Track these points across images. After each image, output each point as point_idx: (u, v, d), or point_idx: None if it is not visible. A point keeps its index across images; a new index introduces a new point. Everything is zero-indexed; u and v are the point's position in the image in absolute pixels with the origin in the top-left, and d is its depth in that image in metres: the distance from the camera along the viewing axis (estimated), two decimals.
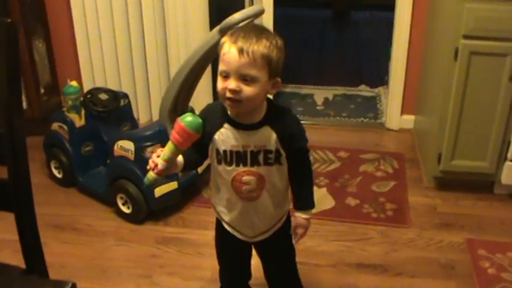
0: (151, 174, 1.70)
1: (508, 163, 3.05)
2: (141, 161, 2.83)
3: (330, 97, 4.48)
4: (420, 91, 3.75)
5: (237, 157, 1.79)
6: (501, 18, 2.78)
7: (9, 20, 1.48)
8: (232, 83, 1.65)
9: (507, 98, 2.91)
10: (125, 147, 2.90)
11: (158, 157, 1.69)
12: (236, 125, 1.77)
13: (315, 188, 1.92)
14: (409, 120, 3.92)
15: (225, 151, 1.79)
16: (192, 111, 3.09)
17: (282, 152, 1.81)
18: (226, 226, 1.98)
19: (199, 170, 3.08)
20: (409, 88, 3.85)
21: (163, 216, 3.02)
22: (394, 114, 3.94)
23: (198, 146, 1.79)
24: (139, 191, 2.89)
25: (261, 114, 1.78)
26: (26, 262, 1.73)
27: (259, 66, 1.65)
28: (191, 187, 3.14)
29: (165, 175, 1.73)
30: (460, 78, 2.91)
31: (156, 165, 1.69)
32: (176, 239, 2.88)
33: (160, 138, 2.83)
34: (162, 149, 1.70)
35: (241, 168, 1.80)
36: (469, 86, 2.92)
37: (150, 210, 2.97)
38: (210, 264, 2.66)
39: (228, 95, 1.66)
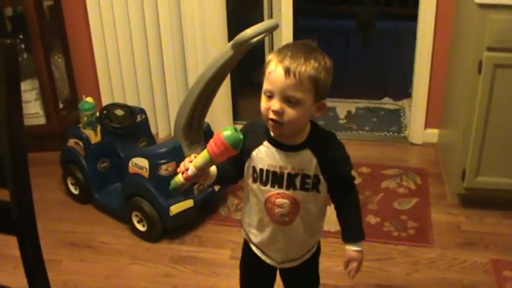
0: (179, 178, 1.66)
1: None
2: (156, 178, 2.79)
3: (353, 110, 4.40)
4: (444, 104, 3.66)
5: (273, 177, 1.73)
6: None
7: (8, 41, 1.43)
8: (275, 104, 1.59)
9: None
10: (139, 164, 2.87)
11: (190, 162, 1.64)
12: (276, 144, 1.71)
13: (334, 206, 1.84)
14: (433, 134, 3.83)
15: (261, 170, 1.73)
16: (208, 127, 3.05)
17: (322, 179, 1.73)
18: (254, 248, 1.92)
19: (216, 187, 3.03)
20: (433, 101, 3.76)
21: (179, 235, 2.97)
22: (418, 128, 3.85)
23: (235, 162, 1.75)
24: (154, 209, 2.85)
25: (304, 137, 1.71)
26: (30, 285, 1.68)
27: (305, 88, 1.59)
28: (207, 204, 3.09)
29: (193, 182, 1.68)
30: (484, 92, 2.83)
31: (186, 170, 1.64)
32: (192, 258, 2.83)
33: (175, 155, 2.79)
34: (196, 154, 1.66)
35: (276, 190, 1.74)
36: (493, 100, 2.84)
37: (165, 228, 2.92)
38: (226, 285, 2.62)
39: (271, 116, 1.61)
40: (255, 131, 1.74)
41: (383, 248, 2.86)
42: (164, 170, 2.79)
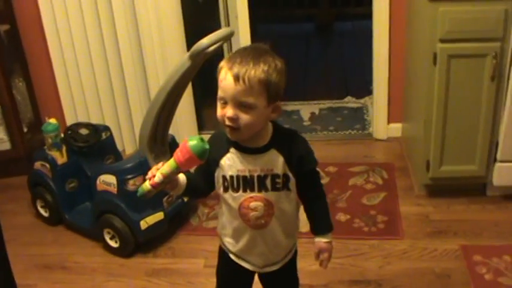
0: (146, 185, 1.65)
1: (498, 164, 3.02)
2: (125, 194, 2.80)
3: (316, 111, 4.44)
4: (405, 98, 3.71)
5: (244, 182, 1.74)
6: (476, 18, 2.76)
7: None
8: (229, 111, 1.61)
9: (490, 98, 2.89)
10: (107, 181, 2.87)
11: (158, 170, 1.64)
12: (242, 148, 1.73)
13: (303, 207, 1.87)
14: (396, 129, 3.88)
15: (231, 176, 1.75)
16: (173, 139, 3.05)
17: (291, 176, 1.76)
18: (233, 257, 1.93)
19: (185, 198, 3.04)
20: (394, 96, 3.82)
21: (152, 248, 2.98)
22: (381, 123, 3.90)
23: (206, 174, 1.76)
24: (125, 224, 2.85)
25: (267, 138, 1.73)
26: None
27: (256, 92, 1.60)
28: (178, 216, 3.10)
29: (160, 190, 1.66)
30: (441, 83, 2.88)
31: (153, 177, 1.63)
32: (166, 270, 2.84)
33: (142, 169, 2.79)
34: (163, 163, 1.65)
35: (249, 194, 1.75)
36: (451, 90, 2.89)
37: (138, 243, 2.92)
38: None
39: (227, 122, 1.63)
40: (219, 141, 1.74)
41: (354, 244, 2.89)
42: (132, 184, 2.79)
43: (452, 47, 2.82)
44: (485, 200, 3.14)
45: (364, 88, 4.52)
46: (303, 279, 2.61)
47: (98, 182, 2.92)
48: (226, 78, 1.60)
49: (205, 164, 1.70)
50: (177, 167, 1.61)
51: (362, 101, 4.51)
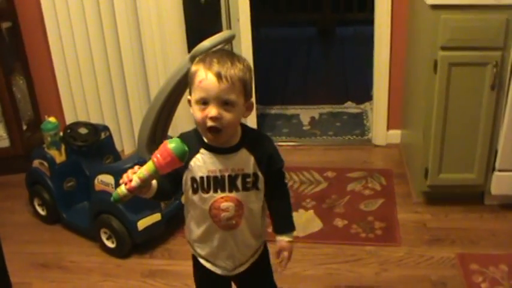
0: (121, 189, 1.62)
1: (496, 173, 3.02)
2: None
3: (316, 116, 4.44)
4: (405, 105, 3.72)
5: (214, 182, 1.74)
6: (477, 27, 2.76)
7: None
8: (212, 110, 1.61)
9: (490, 107, 2.89)
10: (105, 181, 2.86)
11: (134, 173, 1.62)
12: (212, 149, 1.72)
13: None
14: (395, 135, 3.88)
15: (201, 177, 1.74)
16: None
17: (260, 175, 1.76)
18: (203, 262, 1.92)
19: (183, 199, 3.03)
20: (394, 102, 3.82)
21: (148, 249, 2.97)
22: (380, 129, 3.91)
23: (173, 176, 1.73)
24: (122, 225, 2.85)
25: (237, 137, 1.74)
26: None
27: (237, 90, 1.63)
28: (175, 217, 3.08)
29: (135, 194, 1.64)
30: (441, 90, 2.88)
31: (130, 181, 1.61)
32: (162, 271, 2.83)
33: None
34: (139, 166, 1.63)
35: (219, 194, 1.75)
36: (451, 98, 2.89)
37: (135, 244, 2.92)
38: None
39: (209, 123, 1.62)
40: (188, 142, 1.67)
41: (351, 249, 2.88)
42: None
43: (453, 55, 2.82)
44: (483, 208, 3.14)
45: (365, 94, 4.53)
46: (298, 284, 2.64)
47: (95, 181, 2.92)
48: (207, 78, 1.61)
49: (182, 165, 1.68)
50: (155, 170, 1.59)
51: (362, 106, 4.52)
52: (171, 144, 1.57)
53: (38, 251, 3.06)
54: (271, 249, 1.98)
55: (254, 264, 1.93)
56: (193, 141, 1.72)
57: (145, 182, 1.61)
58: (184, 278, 2.76)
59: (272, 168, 1.80)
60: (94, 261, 2.95)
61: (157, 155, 1.58)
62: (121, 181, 1.64)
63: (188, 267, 2.76)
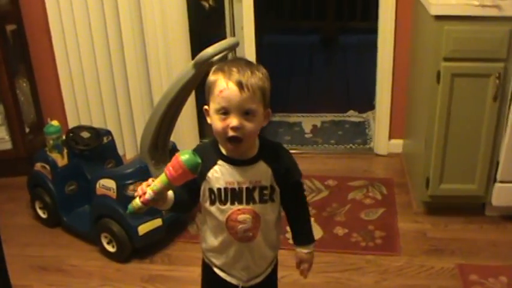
0: (136, 202, 1.63)
1: (497, 184, 3.02)
2: (124, 199, 2.79)
3: (318, 124, 4.45)
4: (407, 115, 3.72)
5: (232, 194, 1.73)
6: (480, 38, 2.77)
7: None
8: (234, 120, 1.61)
9: (492, 119, 2.89)
10: (106, 185, 2.87)
11: (148, 186, 1.62)
12: (230, 160, 1.72)
13: (285, 212, 1.88)
14: (397, 145, 3.88)
15: (219, 189, 1.73)
16: (174, 146, 3.06)
17: (276, 187, 1.76)
18: (218, 271, 1.90)
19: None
20: (396, 112, 3.82)
21: (149, 254, 2.97)
22: (382, 139, 3.91)
23: (191, 187, 1.72)
24: (123, 230, 2.85)
25: (255, 149, 1.74)
26: None
27: (258, 99, 1.62)
28: (176, 223, 3.09)
29: (151, 206, 1.65)
30: (443, 101, 2.88)
31: (144, 193, 1.61)
32: (162, 276, 2.83)
33: (142, 175, 2.80)
34: (154, 178, 1.64)
35: (237, 207, 1.74)
36: (453, 108, 2.90)
37: (135, 248, 2.92)
38: None
39: (230, 133, 1.62)
40: (206, 153, 1.71)
41: (351, 258, 2.89)
42: (131, 190, 2.78)
43: (456, 66, 2.83)
44: (484, 219, 3.14)
45: (367, 103, 4.52)
46: None
47: (97, 186, 2.92)
48: (228, 87, 1.60)
49: (195, 177, 1.68)
50: (168, 182, 1.59)
51: (364, 115, 4.52)
52: (183, 156, 1.57)
53: (38, 253, 3.06)
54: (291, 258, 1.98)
55: (268, 276, 1.93)
56: (210, 152, 1.73)
57: (159, 195, 1.62)
58: (184, 284, 2.77)
59: (290, 181, 1.79)
60: (94, 265, 2.95)
61: (170, 168, 1.58)
62: (135, 194, 1.64)
63: (188, 273, 2.82)
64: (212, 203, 1.75)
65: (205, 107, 1.71)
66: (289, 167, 1.79)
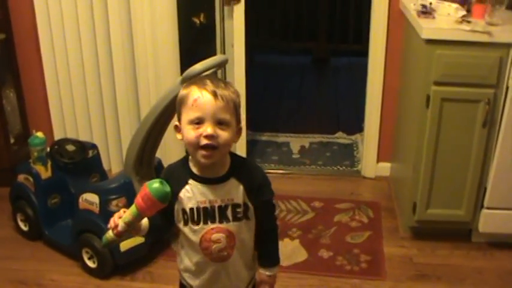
0: (110, 234, 1.62)
1: (484, 210, 3.01)
2: (106, 214, 2.74)
3: (306, 145, 4.43)
4: (396, 138, 3.71)
5: (204, 214, 1.71)
6: (471, 64, 2.77)
7: None
8: (208, 128, 1.59)
9: (481, 144, 2.88)
10: (89, 200, 2.83)
11: (120, 218, 1.61)
12: (201, 179, 1.70)
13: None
14: (385, 168, 3.86)
15: (191, 209, 1.71)
16: (159, 163, 3.02)
17: (250, 205, 1.73)
18: None
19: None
20: (385, 135, 3.81)
21: (130, 271, 2.92)
22: (370, 161, 3.89)
23: (165, 210, 1.68)
24: None
25: (226, 167, 1.71)
26: None
27: (231, 111, 1.62)
28: (159, 240, 3.04)
29: (125, 237, 1.65)
30: (432, 125, 2.87)
31: (116, 226, 1.60)
32: None
33: (126, 190, 2.78)
34: (125, 210, 1.62)
35: (210, 226, 1.71)
36: (442, 133, 2.89)
37: (116, 265, 2.87)
38: None
39: (204, 142, 1.60)
40: (176, 174, 1.71)
41: (336, 281, 2.85)
42: (114, 205, 2.76)
43: (446, 90, 2.82)
44: (470, 246, 3.12)
45: (356, 125, 4.52)
46: None
47: (80, 200, 2.88)
48: (202, 96, 1.60)
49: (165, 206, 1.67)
50: (139, 213, 1.57)
51: (353, 137, 4.50)
52: (151, 187, 1.55)
53: (17, 267, 3.01)
54: None
55: None
56: (181, 172, 1.71)
57: (131, 226, 1.61)
58: None
59: (262, 199, 1.76)
60: (74, 280, 2.90)
61: (139, 199, 1.56)
62: (108, 226, 1.63)
63: None
64: (185, 223, 1.73)
65: (176, 123, 1.70)
66: (261, 184, 1.76)
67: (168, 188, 1.56)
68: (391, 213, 3.45)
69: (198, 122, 1.60)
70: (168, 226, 1.78)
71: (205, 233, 1.72)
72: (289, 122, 4.96)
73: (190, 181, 1.70)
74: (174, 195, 1.67)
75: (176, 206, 1.72)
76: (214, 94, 1.59)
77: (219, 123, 1.60)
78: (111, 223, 1.62)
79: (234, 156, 1.75)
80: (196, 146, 1.61)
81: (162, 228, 1.79)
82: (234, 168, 1.72)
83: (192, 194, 1.70)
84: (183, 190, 1.70)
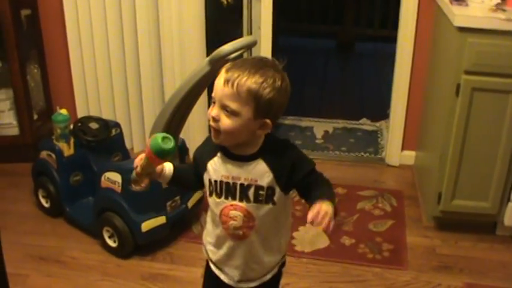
0: (133, 173, 1.71)
1: (511, 204, 2.94)
2: (128, 193, 2.74)
3: (330, 130, 4.38)
4: (422, 126, 3.65)
5: (226, 189, 1.70)
6: (504, 53, 2.70)
7: None
8: (214, 110, 1.60)
9: (510, 136, 2.82)
10: (112, 178, 2.82)
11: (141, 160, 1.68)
12: (229, 154, 1.69)
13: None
14: (409, 157, 3.81)
15: (215, 181, 1.71)
16: (183, 143, 3.00)
17: (277, 189, 1.67)
18: (212, 266, 1.88)
19: (190, 204, 2.99)
20: (411, 123, 3.75)
21: (150, 251, 2.92)
22: (395, 149, 3.84)
23: (197, 170, 1.77)
24: (126, 225, 2.80)
25: (256, 147, 1.68)
26: None
27: (242, 100, 1.55)
28: (180, 222, 3.04)
29: (146, 178, 1.71)
30: (461, 115, 2.82)
31: (136, 167, 1.69)
32: (163, 275, 2.78)
33: None
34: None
35: (230, 202, 1.71)
36: (471, 123, 2.83)
37: (137, 245, 2.87)
38: None
39: (210, 121, 1.61)
40: (209, 145, 1.72)
41: (357, 270, 2.82)
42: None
43: (477, 80, 2.76)
44: (494, 239, 3.07)
45: (380, 112, 4.46)
46: None
47: (102, 178, 2.87)
48: (219, 78, 1.59)
49: (195, 164, 1.78)
50: (147, 161, 1.63)
51: (377, 124, 4.45)
52: (152, 139, 1.59)
53: (37, 243, 3.02)
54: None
55: (265, 283, 1.86)
56: (213, 144, 1.69)
57: (144, 170, 1.68)
58: (184, 284, 2.72)
59: (300, 174, 1.67)
60: (94, 258, 2.90)
61: (147, 147, 1.62)
62: (134, 164, 1.71)
63: (189, 273, 2.77)
64: (210, 193, 1.75)
65: None
66: (295, 162, 1.68)
67: (168, 145, 1.58)
68: (414, 202, 3.40)
69: (214, 101, 1.61)
70: (194, 185, 1.85)
71: (225, 207, 1.72)
72: (313, 106, 4.92)
73: (219, 154, 1.70)
74: (203, 165, 1.73)
75: (205, 175, 1.74)
76: (227, 80, 1.56)
77: (225, 109, 1.58)
78: (135, 162, 1.70)
79: (270, 137, 1.70)
80: (208, 122, 1.63)
81: (190, 184, 1.88)
82: (265, 150, 1.68)
83: (218, 167, 1.71)
84: (211, 161, 1.72)
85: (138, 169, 1.67)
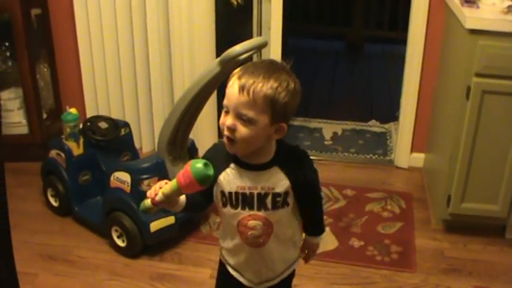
0: (148, 202, 1.63)
1: None
2: (137, 193, 2.74)
3: (339, 132, 4.37)
4: (431, 129, 3.64)
5: (243, 199, 1.67)
6: None
7: None
8: (229, 120, 1.55)
9: None
10: (121, 178, 2.82)
11: (160, 188, 1.60)
12: (243, 164, 1.66)
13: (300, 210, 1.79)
14: (419, 159, 3.80)
15: (230, 193, 1.68)
16: (193, 144, 3.00)
17: (291, 192, 1.68)
18: (230, 269, 1.87)
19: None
20: (420, 125, 3.74)
21: (159, 251, 2.92)
22: (404, 151, 3.83)
23: (203, 190, 1.67)
24: (135, 225, 2.80)
25: (270, 155, 1.66)
26: None
27: (259, 108, 1.52)
28: (189, 222, 3.04)
29: (162, 208, 1.65)
30: (471, 118, 2.80)
31: (156, 195, 1.60)
32: (171, 275, 2.78)
33: (158, 170, 2.77)
34: (167, 181, 1.61)
35: (247, 212, 1.68)
36: (481, 126, 2.82)
37: (146, 245, 2.87)
38: None
39: (225, 131, 1.57)
40: (219, 155, 1.67)
41: (366, 272, 2.81)
42: (146, 185, 2.74)
43: (488, 83, 2.75)
44: (504, 242, 3.05)
45: (389, 113, 4.45)
46: None
47: (111, 178, 2.87)
48: (232, 86, 1.54)
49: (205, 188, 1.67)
50: (178, 189, 1.56)
51: (386, 126, 4.44)
52: (194, 166, 1.52)
53: (46, 242, 3.02)
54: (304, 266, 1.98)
55: (282, 282, 1.87)
56: (224, 153, 1.66)
57: (169, 199, 1.60)
58: (192, 284, 2.72)
59: (308, 189, 1.73)
60: (102, 258, 2.90)
61: (181, 175, 1.54)
62: (148, 194, 1.63)
63: (197, 274, 2.77)
64: (224, 205, 1.71)
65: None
66: (308, 181, 1.72)
67: (211, 171, 1.52)
68: (423, 204, 3.39)
69: (226, 110, 1.57)
70: (205, 204, 1.78)
71: (243, 218, 1.69)
72: (322, 107, 4.91)
73: (232, 165, 1.67)
74: (214, 177, 1.63)
75: (215, 188, 1.69)
76: (242, 88, 1.51)
77: (241, 118, 1.54)
78: (152, 191, 1.62)
79: (282, 143, 1.70)
80: (222, 132, 1.59)
81: (199, 206, 1.79)
82: (279, 157, 1.67)
83: (232, 178, 1.67)
84: (224, 173, 1.67)
85: (161, 198, 1.60)
